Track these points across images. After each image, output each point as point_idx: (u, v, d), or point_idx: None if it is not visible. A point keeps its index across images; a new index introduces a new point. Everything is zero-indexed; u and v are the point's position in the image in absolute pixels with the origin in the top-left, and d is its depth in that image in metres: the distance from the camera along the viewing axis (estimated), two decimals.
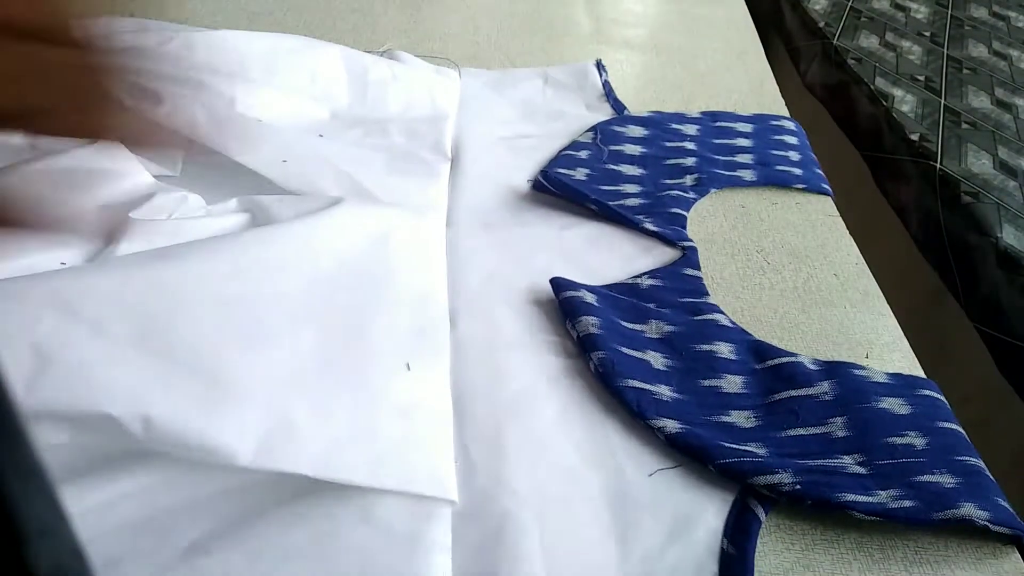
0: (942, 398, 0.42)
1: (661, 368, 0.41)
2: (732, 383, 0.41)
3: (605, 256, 0.49)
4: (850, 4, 1.17)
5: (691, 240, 0.51)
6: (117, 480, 0.31)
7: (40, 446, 0.30)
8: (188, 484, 0.31)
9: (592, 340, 0.41)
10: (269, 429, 0.31)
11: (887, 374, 0.42)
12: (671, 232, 0.51)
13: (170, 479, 0.31)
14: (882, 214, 0.90)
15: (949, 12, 1.17)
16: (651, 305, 0.45)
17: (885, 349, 0.46)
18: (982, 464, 0.38)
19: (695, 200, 0.55)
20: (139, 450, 0.31)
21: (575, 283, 0.44)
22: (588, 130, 0.61)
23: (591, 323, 0.41)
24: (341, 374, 0.34)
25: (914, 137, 0.86)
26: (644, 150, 0.60)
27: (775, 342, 0.45)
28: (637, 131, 0.62)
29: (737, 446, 0.36)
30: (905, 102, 0.93)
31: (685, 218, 0.53)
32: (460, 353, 0.40)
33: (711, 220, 0.55)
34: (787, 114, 0.69)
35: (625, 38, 0.80)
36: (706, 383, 0.41)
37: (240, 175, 0.47)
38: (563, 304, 0.43)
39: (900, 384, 0.42)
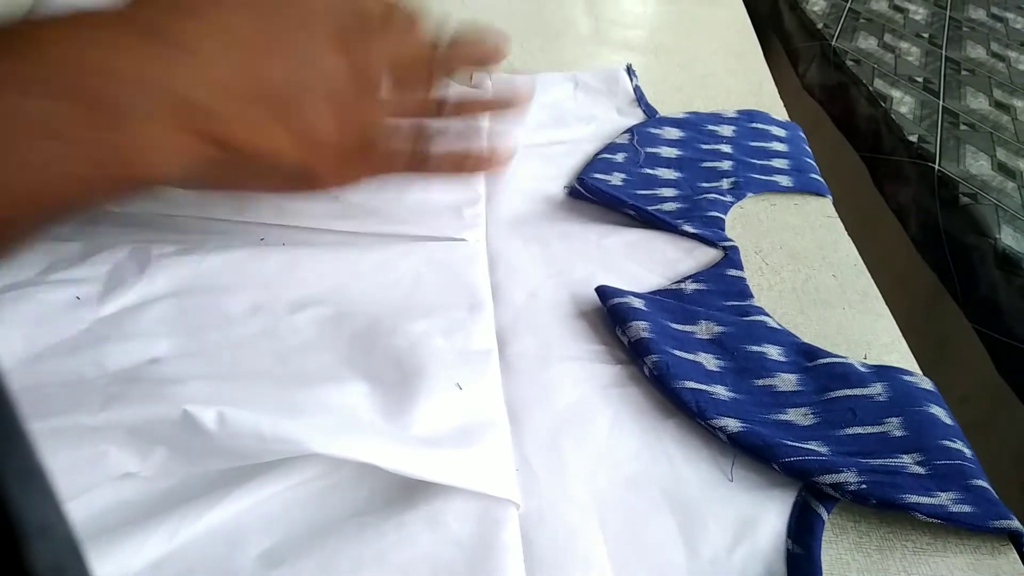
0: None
1: (714, 369, 0.41)
2: (786, 381, 0.41)
3: (646, 262, 0.49)
4: (848, 5, 1.17)
5: (731, 240, 0.51)
6: (191, 498, 0.31)
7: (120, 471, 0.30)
8: (256, 494, 0.32)
9: (644, 344, 0.40)
10: (339, 426, 0.32)
11: (931, 381, 0.43)
12: (711, 234, 0.51)
13: (239, 492, 0.31)
14: (881, 215, 0.90)
15: (947, 13, 1.17)
16: (694, 308, 0.45)
17: (884, 350, 0.46)
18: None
19: (732, 203, 0.55)
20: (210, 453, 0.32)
21: (621, 290, 0.44)
22: (624, 132, 0.61)
23: (641, 327, 0.41)
24: (396, 405, 0.35)
25: (912, 138, 0.86)
26: (680, 153, 0.59)
27: None
28: (673, 133, 0.61)
29: (799, 444, 0.36)
30: (903, 103, 0.93)
31: (723, 220, 0.53)
32: (512, 370, 0.40)
33: None
34: (786, 116, 0.69)
35: (624, 39, 0.80)
36: (760, 382, 0.41)
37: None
38: (611, 311, 0.43)
39: (939, 394, 0.42)
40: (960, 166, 0.83)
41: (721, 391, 0.39)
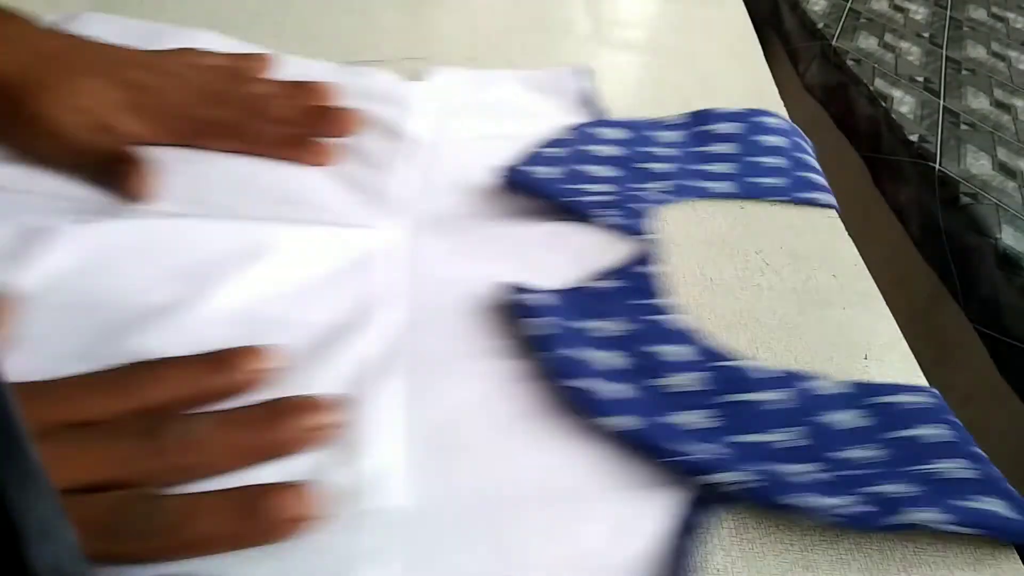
0: (923, 400, 0.41)
1: (613, 367, 0.41)
2: (686, 382, 0.40)
3: (567, 256, 0.49)
4: (849, 5, 1.17)
5: (655, 236, 0.50)
6: None
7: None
8: None
9: (542, 341, 0.40)
10: None
11: (849, 383, 0.42)
12: (634, 224, 0.50)
13: None
14: (881, 215, 0.90)
15: (948, 13, 1.17)
16: (607, 305, 0.45)
17: (884, 350, 0.46)
18: (966, 464, 0.37)
19: (664, 201, 0.54)
20: None
21: (529, 285, 0.44)
22: (563, 129, 0.60)
23: (542, 324, 0.41)
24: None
25: (913, 138, 0.86)
26: (619, 153, 0.59)
27: (773, 343, 0.45)
28: (615, 134, 0.61)
29: (694, 445, 0.36)
30: (904, 103, 0.93)
31: (653, 215, 0.52)
32: (413, 364, 0.40)
33: (710, 221, 0.55)
34: (786, 115, 0.69)
35: (624, 39, 0.80)
36: (659, 382, 0.40)
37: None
38: (516, 306, 0.43)
39: (860, 393, 0.41)
40: (960, 166, 0.83)
41: (617, 390, 0.39)
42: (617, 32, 0.81)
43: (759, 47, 0.82)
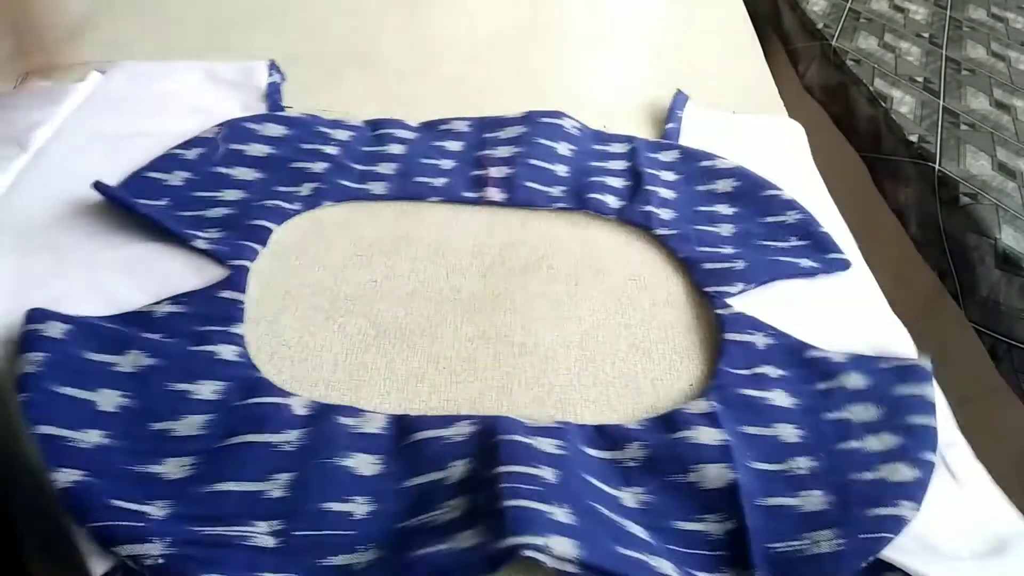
0: (457, 432, 0.37)
1: (108, 409, 0.37)
2: (191, 426, 0.37)
3: (142, 280, 0.45)
4: (849, 5, 1.17)
5: (253, 259, 0.47)
6: None
7: None
8: None
9: (25, 380, 0.37)
10: None
11: (385, 415, 0.38)
12: (235, 250, 0.47)
13: None
14: (881, 215, 0.90)
15: (948, 13, 1.17)
16: (150, 335, 0.41)
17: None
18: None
19: (298, 212, 0.52)
20: None
21: (52, 312, 0.40)
22: (215, 126, 0.57)
23: (34, 360, 0.37)
24: None
25: (913, 138, 0.86)
26: (272, 151, 0.56)
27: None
28: (275, 130, 0.58)
29: (131, 506, 0.33)
30: (904, 103, 0.93)
31: (269, 232, 0.50)
32: None
33: None
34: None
35: (624, 39, 0.80)
36: (159, 426, 0.37)
37: None
38: (21, 339, 0.39)
39: (402, 430, 0.38)
40: (960, 166, 0.83)
41: (92, 438, 0.35)
42: (617, 32, 0.81)
43: (759, 47, 0.82)
